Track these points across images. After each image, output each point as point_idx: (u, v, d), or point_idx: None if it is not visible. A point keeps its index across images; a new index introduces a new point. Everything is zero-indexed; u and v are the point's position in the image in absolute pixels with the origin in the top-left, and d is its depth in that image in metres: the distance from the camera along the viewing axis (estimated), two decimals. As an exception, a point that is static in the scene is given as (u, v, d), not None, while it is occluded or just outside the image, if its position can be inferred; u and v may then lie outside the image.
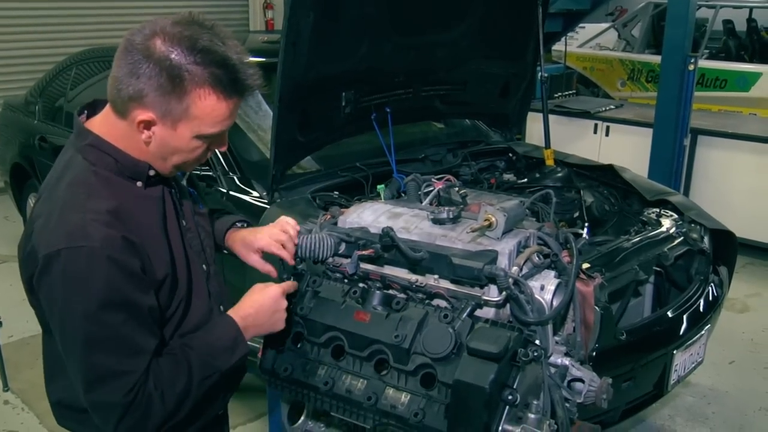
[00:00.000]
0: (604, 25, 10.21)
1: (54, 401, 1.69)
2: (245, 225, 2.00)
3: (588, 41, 9.94)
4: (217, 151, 1.62)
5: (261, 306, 1.65)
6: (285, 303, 1.69)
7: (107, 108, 1.52)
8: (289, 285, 1.75)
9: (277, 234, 1.88)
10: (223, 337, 1.59)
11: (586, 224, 3.31)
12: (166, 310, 1.57)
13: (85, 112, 1.60)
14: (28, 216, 5.29)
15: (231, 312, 1.64)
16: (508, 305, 1.79)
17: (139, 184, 1.55)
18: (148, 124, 1.46)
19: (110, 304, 1.40)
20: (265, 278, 1.94)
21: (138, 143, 1.50)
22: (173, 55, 1.40)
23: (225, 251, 1.97)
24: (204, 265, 1.72)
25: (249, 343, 1.63)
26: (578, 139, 6.34)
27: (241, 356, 1.60)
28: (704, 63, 7.65)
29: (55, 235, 1.40)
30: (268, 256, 1.90)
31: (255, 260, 1.90)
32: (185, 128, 1.46)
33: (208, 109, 1.45)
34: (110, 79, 1.46)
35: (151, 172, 1.55)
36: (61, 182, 1.50)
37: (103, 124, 1.52)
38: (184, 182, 1.78)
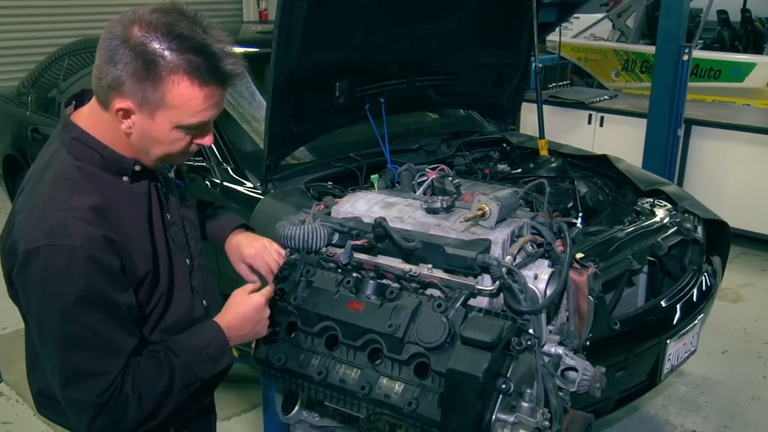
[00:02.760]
0: (599, 16, 10.20)
1: (35, 390, 1.70)
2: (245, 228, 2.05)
3: (582, 31, 9.93)
4: (213, 135, 1.60)
5: (244, 317, 1.64)
6: (268, 311, 1.70)
7: (93, 100, 1.50)
8: (270, 291, 1.73)
9: (269, 255, 1.94)
10: (210, 345, 1.58)
11: (580, 214, 3.32)
12: (146, 306, 1.56)
13: (73, 102, 1.58)
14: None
15: (217, 320, 1.63)
16: (501, 294, 1.79)
17: (125, 179, 1.53)
18: (126, 113, 1.44)
19: (88, 303, 1.39)
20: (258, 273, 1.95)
21: (121, 136, 1.48)
22: (149, 41, 1.38)
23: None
24: (187, 260, 1.71)
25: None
26: (572, 130, 6.34)
27: (225, 366, 1.60)
28: (698, 53, 7.65)
29: (35, 232, 1.39)
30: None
31: (242, 269, 1.97)
32: (163, 118, 1.44)
33: (185, 97, 1.42)
34: (94, 69, 1.45)
35: (137, 168, 1.54)
36: (44, 176, 1.48)
37: (89, 116, 1.51)
38: (172, 174, 1.77)
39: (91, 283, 1.38)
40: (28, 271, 1.39)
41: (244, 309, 1.65)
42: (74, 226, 1.39)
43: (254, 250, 1.95)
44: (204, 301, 1.76)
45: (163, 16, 1.40)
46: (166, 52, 1.38)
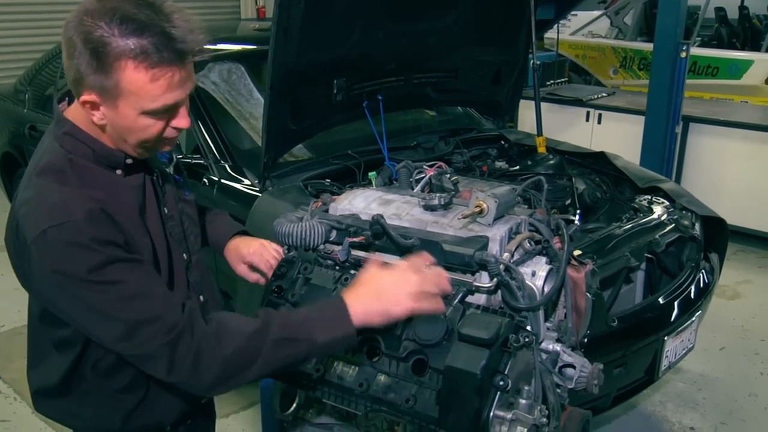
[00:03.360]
0: (597, 13, 10.20)
1: (34, 389, 1.68)
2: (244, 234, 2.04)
3: (580, 29, 9.94)
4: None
5: (376, 286, 1.49)
6: (414, 277, 1.50)
7: None
8: (424, 259, 1.58)
9: (268, 253, 1.93)
10: (323, 308, 1.49)
11: (578, 211, 3.31)
12: None
13: (66, 99, 1.56)
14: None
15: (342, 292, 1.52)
16: (499, 291, 1.79)
17: (118, 172, 1.52)
18: (93, 105, 1.41)
19: (112, 261, 1.36)
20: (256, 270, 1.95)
21: (98, 129, 1.47)
22: (94, 29, 1.33)
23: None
24: (185, 254, 1.69)
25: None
26: (570, 127, 6.34)
27: (341, 335, 1.45)
28: (696, 51, 7.66)
29: (37, 219, 1.37)
30: None
31: (242, 270, 1.96)
32: (126, 106, 1.39)
33: (138, 82, 1.36)
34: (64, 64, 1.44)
35: (129, 161, 1.52)
36: (35, 171, 1.47)
37: (77, 111, 1.49)
38: (171, 169, 1.75)
39: (103, 248, 1.36)
40: (42, 257, 1.36)
41: (370, 277, 1.52)
42: (74, 203, 1.38)
43: (253, 249, 1.95)
44: (201, 297, 1.74)
45: (109, 2, 1.35)
46: (111, 39, 1.33)
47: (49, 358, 1.60)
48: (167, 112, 1.44)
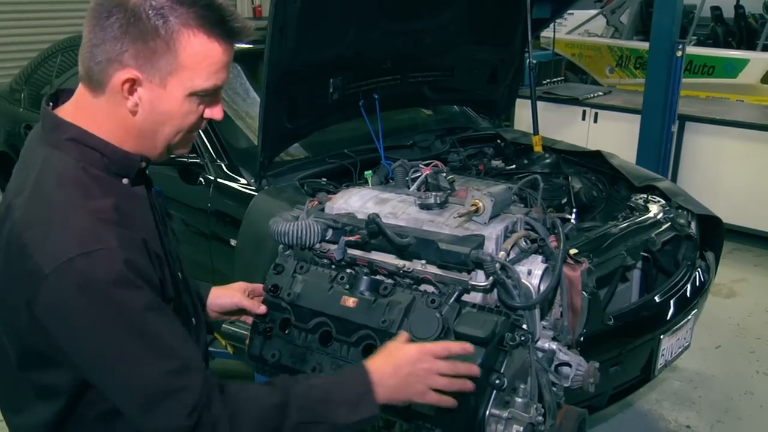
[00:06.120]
0: (593, 12, 10.22)
1: None
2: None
3: (576, 28, 9.94)
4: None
5: (397, 365, 1.42)
6: (435, 368, 1.43)
7: (79, 91, 1.34)
8: (457, 346, 1.49)
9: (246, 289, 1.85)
10: (347, 384, 1.39)
11: (574, 210, 3.32)
12: None
13: (50, 104, 1.38)
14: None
15: (365, 362, 1.44)
16: (495, 290, 1.79)
17: (125, 181, 1.35)
18: (132, 86, 1.27)
19: (147, 309, 1.23)
20: (252, 269, 1.94)
21: (122, 122, 1.31)
22: None
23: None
24: (179, 273, 1.51)
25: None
26: (566, 126, 6.35)
27: (364, 417, 1.37)
28: (692, 49, 7.67)
29: (61, 244, 1.20)
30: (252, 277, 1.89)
31: (240, 299, 1.84)
32: (176, 84, 1.28)
33: (200, 55, 1.27)
34: (82, 50, 1.28)
35: (143, 164, 1.37)
36: (43, 184, 1.28)
37: (77, 111, 1.33)
38: None
39: (139, 287, 1.22)
40: (63, 289, 1.18)
41: (398, 356, 1.43)
42: (104, 228, 1.23)
43: (236, 290, 1.85)
44: (193, 320, 1.55)
45: None
46: (175, 5, 1.24)
47: (32, 407, 1.37)
48: (211, 95, 1.35)
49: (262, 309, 1.83)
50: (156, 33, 1.24)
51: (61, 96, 1.39)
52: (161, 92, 1.29)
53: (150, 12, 1.23)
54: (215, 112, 1.38)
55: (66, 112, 1.34)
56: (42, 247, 1.20)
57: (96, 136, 1.31)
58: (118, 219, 1.26)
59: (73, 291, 1.18)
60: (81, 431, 1.36)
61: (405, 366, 1.42)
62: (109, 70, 1.26)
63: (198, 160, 3.29)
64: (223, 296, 1.82)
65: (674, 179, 5.83)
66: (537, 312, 1.83)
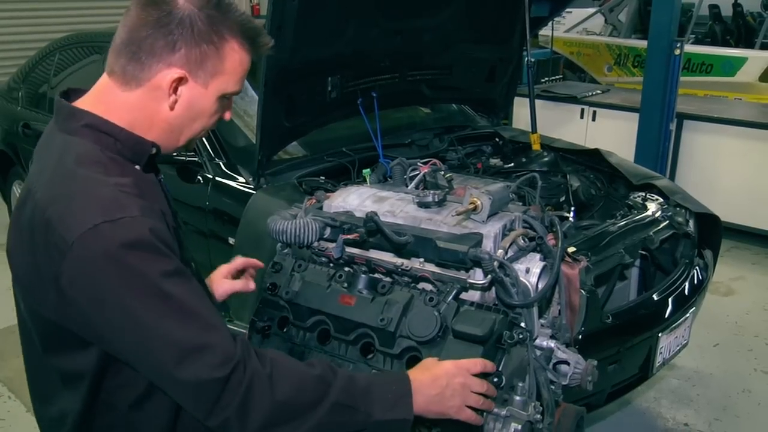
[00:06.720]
0: (591, 10, 10.23)
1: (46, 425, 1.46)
2: None
3: (575, 26, 9.96)
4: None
5: (435, 376, 1.45)
6: (474, 382, 1.48)
7: (103, 85, 1.38)
8: (483, 363, 1.53)
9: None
10: (389, 384, 1.41)
11: (572, 208, 3.32)
12: None
13: (62, 99, 1.42)
14: (14, 204, 5.25)
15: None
16: (493, 288, 1.79)
17: (137, 167, 1.38)
18: (178, 84, 1.34)
19: (170, 275, 1.24)
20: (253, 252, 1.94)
21: (151, 114, 1.36)
22: (205, 5, 1.34)
23: None
24: (192, 263, 1.52)
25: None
26: (565, 124, 6.35)
27: (398, 418, 1.37)
28: (690, 48, 7.68)
29: (85, 213, 1.22)
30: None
31: (228, 287, 1.84)
32: (215, 86, 1.38)
33: (237, 62, 1.39)
34: (119, 47, 1.34)
35: (153, 150, 1.40)
36: (63, 165, 1.31)
37: (97, 102, 1.37)
38: None
39: (165, 254, 1.25)
40: (89, 256, 1.20)
41: (436, 369, 1.47)
42: (127, 198, 1.25)
43: (211, 279, 1.86)
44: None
45: None
46: (225, 15, 1.36)
47: (58, 396, 1.39)
48: (229, 100, 1.46)
49: (252, 285, 1.86)
50: (209, 39, 1.34)
51: (72, 94, 1.43)
52: (203, 92, 1.38)
53: (205, 20, 1.33)
54: (228, 114, 1.49)
55: (83, 103, 1.38)
56: (66, 219, 1.22)
57: (110, 122, 1.35)
58: (139, 192, 1.29)
59: (100, 257, 1.20)
60: (108, 423, 1.37)
61: (442, 378, 1.45)
62: (156, 67, 1.33)
63: (196, 159, 3.29)
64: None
65: (672, 177, 5.84)
66: (535, 310, 1.83)
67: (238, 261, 1.89)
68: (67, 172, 1.29)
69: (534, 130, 3.99)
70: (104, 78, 1.38)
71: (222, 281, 1.85)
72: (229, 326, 2.19)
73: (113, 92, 1.36)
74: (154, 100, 1.36)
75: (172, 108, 1.37)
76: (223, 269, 1.88)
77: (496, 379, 1.57)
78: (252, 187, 3.03)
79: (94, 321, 1.24)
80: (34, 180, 1.35)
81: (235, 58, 1.38)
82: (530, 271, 1.85)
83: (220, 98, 1.41)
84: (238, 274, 1.90)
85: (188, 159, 3.26)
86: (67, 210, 1.23)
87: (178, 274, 1.26)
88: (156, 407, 1.35)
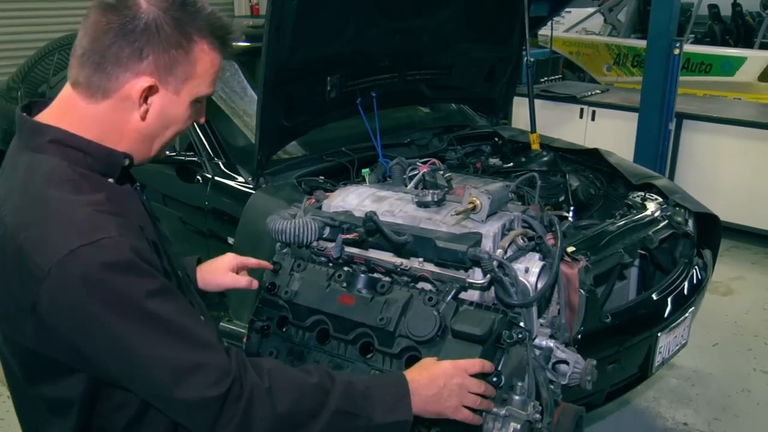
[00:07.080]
0: (590, 10, 10.22)
1: None
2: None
3: (574, 26, 9.95)
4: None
5: (433, 376, 1.44)
6: (466, 385, 1.46)
7: (67, 97, 1.30)
8: (481, 364, 1.52)
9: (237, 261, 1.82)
10: (387, 386, 1.40)
11: (572, 208, 3.32)
12: None
13: (24, 114, 1.35)
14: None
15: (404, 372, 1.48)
16: (492, 288, 1.79)
17: (110, 180, 1.31)
18: (149, 93, 1.27)
19: (156, 294, 1.19)
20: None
21: (121, 126, 1.29)
22: (167, 8, 1.25)
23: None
24: (179, 272, 1.47)
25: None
26: (564, 124, 6.35)
27: (397, 420, 1.37)
28: (689, 47, 7.67)
29: (60, 237, 1.16)
30: (250, 275, 1.85)
31: (231, 280, 1.80)
32: (187, 91, 1.31)
33: (207, 63, 1.31)
34: (80, 58, 1.26)
35: (126, 161, 1.32)
36: (31, 187, 1.24)
37: (61, 116, 1.29)
38: None
39: (149, 273, 1.20)
40: (68, 282, 1.14)
41: (433, 369, 1.47)
42: (102, 218, 1.20)
43: (209, 276, 1.79)
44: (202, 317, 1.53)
45: None
46: (191, 17, 1.27)
47: (48, 425, 1.34)
48: (202, 102, 1.38)
49: (255, 283, 1.82)
50: (178, 43, 1.26)
51: (34, 107, 1.36)
52: (174, 99, 1.31)
53: (171, 23, 1.25)
54: (202, 118, 1.42)
55: (46, 117, 1.31)
56: (40, 246, 1.16)
57: (78, 136, 1.28)
58: (114, 209, 1.23)
59: (80, 282, 1.14)
60: None
61: (440, 378, 1.44)
62: (122, 79, 1.26)
63: (195, 159, 3.28)
64: (211, 282, 1.78)
65: (672, 177, 5.84)
66: (534, 310, 1.83)
67: (251, 261, 1.85)
68: (37, 195, 1.22)
69: (533, 129, 3.99)
70: (68, 89, 1.30)
71: (226, 273, 1.80)
72: (228, 326, 2.21)
73: (79, 104, 1.28)
74: (124, 110, 1.28)
75: (143, 118, 1.30)
76: (231, 260, 1.82)
77: (495, 379, 1.57)
78: (251, 186, 3.03)
79: (80, 348, 1.19)
80: (2, 204, 1.26)
81: (206, 60, 1.31)
82: (529, 271, 1.85)
83: (193, 102, 1.34)
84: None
85: (187, 159, 3.26)
86: (41, 236, 1.17)
87: (164, 293, 1.21)
88: (154, 426, 1.31)
